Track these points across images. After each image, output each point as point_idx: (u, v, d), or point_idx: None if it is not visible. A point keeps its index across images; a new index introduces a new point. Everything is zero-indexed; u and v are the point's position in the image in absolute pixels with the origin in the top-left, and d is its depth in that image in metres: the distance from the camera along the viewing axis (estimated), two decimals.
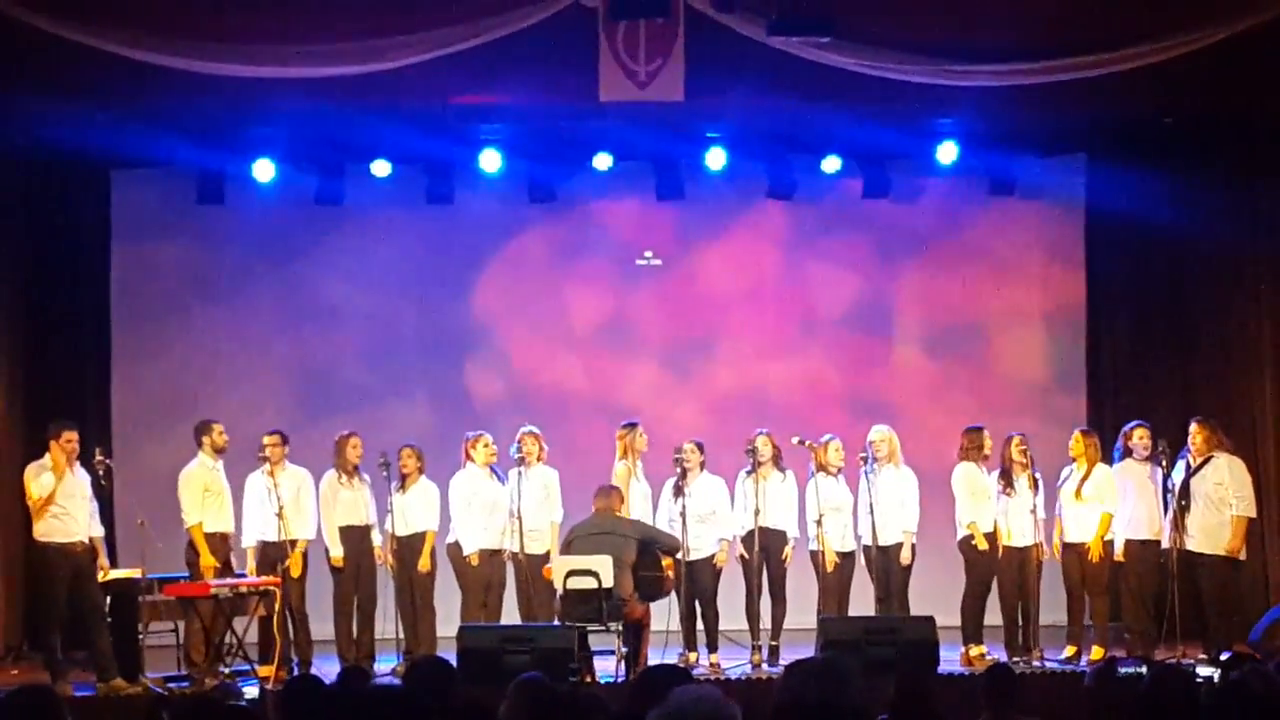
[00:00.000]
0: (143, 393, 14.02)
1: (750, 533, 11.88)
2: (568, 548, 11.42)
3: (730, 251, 14.57)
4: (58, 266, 13.64)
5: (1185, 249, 13.86)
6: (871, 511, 11.80)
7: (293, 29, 11.30)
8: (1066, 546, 12.01)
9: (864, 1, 11.68)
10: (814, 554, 12.01)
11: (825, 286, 14.59)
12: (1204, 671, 9.36)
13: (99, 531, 11.38)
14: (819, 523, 11.89)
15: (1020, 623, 11.89)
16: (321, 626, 12.01)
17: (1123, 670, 7.83)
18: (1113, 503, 11.88)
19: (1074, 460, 12.05)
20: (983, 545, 11.88)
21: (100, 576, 11.29)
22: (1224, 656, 9.43)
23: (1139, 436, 12.02)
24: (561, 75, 11.77)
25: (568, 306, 14.55)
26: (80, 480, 11.26)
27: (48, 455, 11.15)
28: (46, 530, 11.05)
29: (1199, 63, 11.45)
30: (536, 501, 11.97)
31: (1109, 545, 11.90)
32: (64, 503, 11.07)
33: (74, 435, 11.20)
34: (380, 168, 13.65)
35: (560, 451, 12.45)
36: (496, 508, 11.97)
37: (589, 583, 10.97)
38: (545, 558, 11.81)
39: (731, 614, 12.05)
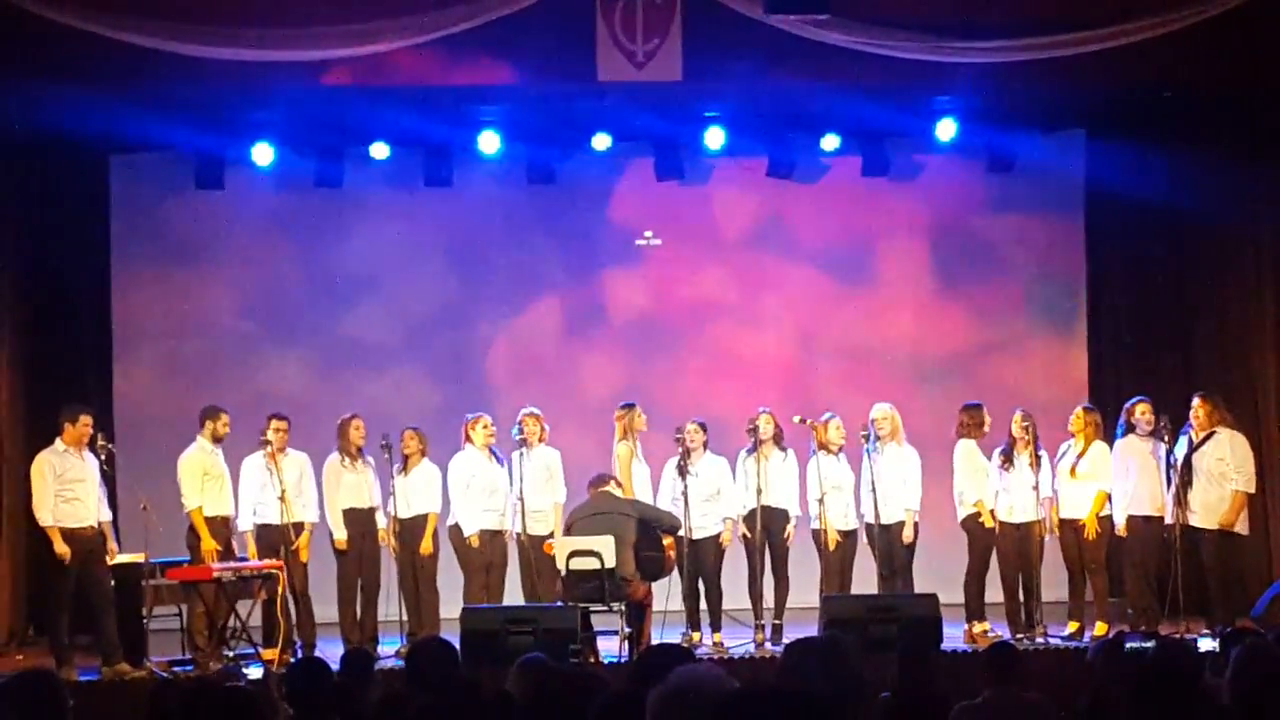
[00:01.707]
0: (143, 377, 14.01)
1: (752, 512, 11.87)
2: (568, 531, 11.43)
3: (728, 230, 14.55)
4: (57, 252, 13.61)
5: (1185, 224, 13.83)
6: (874, 490, 11.80)
7: (291, 12, 11.29)
8: (1064, 523, 12.01)
9: None
10: (815, 533, 12.01)
11: (826, 263, 14.59)
12: (1206, 645, 9.36)
13: (108, 516, 11.41)
14: (820, 501, 11.89)
15: (1023, 599, 11.90)
16: (325, 609, 12.02)
17: (1129, 645, 7.82)
18: (1107, 480, 11.87)
19: (1074, 436, 12.05)
20: (989, 523, 11.88)
21: (108, 560, 11.30)
22: (1226, 631, 9.44)
23: (1141, 412, 12.00)
24: (559, 56, 11.77)
25: (572, 292, 14.53)
26: (90, 465, 11.27)
27: (59, 440, 11.17)
28: (57, 515, 11.07)
29: (1198, 37, 11.43)
30: (539, 483, 11.97)
31: (1106, 521, 11.90)
32: (74, 487, 11.10)
33: (89, 419, 11.26)
34: (379, 150, 13.63)
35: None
36: (496, 489, 11.98)
37: (591, 563, 10.97)
38: (548, 539, 11.81)
39: (734, 593, 12.05)
